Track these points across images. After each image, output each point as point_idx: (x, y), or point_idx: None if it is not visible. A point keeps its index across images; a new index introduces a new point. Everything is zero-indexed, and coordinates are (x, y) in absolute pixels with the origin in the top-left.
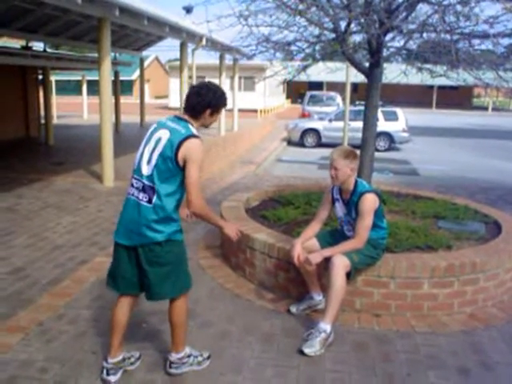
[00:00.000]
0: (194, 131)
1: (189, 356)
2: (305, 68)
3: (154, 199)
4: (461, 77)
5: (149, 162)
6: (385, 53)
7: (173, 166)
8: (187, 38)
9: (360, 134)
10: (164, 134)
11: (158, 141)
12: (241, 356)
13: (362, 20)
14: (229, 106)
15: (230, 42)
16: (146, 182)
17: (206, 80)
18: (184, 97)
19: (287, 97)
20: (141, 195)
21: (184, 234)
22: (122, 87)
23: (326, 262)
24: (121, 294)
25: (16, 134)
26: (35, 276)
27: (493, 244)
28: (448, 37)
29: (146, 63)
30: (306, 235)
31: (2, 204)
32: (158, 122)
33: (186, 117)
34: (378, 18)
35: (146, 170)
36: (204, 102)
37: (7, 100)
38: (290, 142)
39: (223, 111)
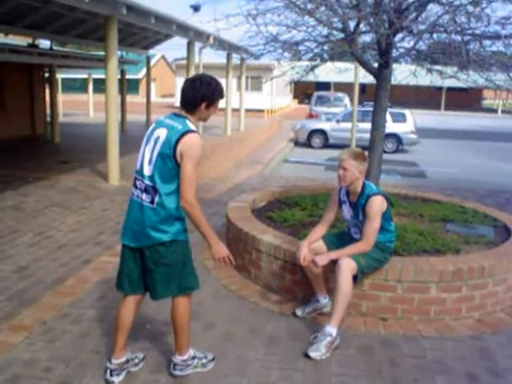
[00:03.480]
0: (192, 127)
1: (193, 358)
2: (313, 68)
3: (156, 199)
4: (471, 78)
5: (150, 161)
6: (394, 53)
7: (172, 165)
8: (194, 36)
9: (368, 135)
10: (162, 133)
11: (157, 140)
12: (245, 358)
13: (372, 20)
14: (235, 105)
15: (238, 41)
16: (148, 183)
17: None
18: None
19: (294, 97)
20: (144, 196)
21: (189, 234)
22: (128, 86)
23: (333, 264)
24: (126, 294)
25: (22, 132)
26: (39, 275)
27: (502, 248)
28: (459, 37)
29: (152, 62)
30: (312, 237)
31: (7, 202)
32: (157, 120)
33: (183, 112)
34: (387, 17)
35: (147, 170)
36: (198, 94)
37: (14, 98)
38: (296, 143)
39: (229, 111)
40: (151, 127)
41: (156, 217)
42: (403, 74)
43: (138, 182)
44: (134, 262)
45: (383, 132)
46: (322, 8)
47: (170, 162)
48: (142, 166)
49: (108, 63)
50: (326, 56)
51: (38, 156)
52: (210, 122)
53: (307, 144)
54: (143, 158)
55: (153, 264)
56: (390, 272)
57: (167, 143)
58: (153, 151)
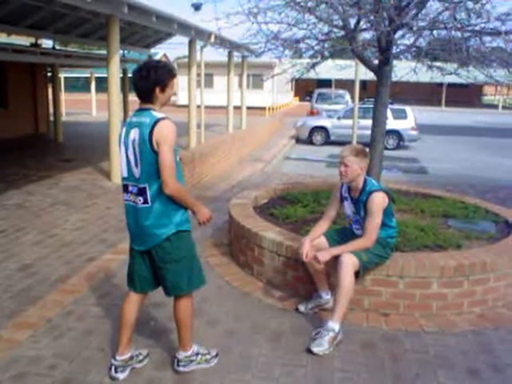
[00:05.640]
0: (159, 115)
1: (197, 354)
2: (314, 65)
3: (149, 198)
4: (471, 74)
5: (136, 164)
6: (394, 50)
7: (153, 159)
8: (196, 35)
9: (369, 132)
10: (135, 133)
11: (134, 141)
12: (249, 354)
13: (372, 17)
14: (237, 103)
15: (239, 39)
16: (140, 185)
17: (214, 75)
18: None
19: (295, 94)
20: (138, 199)
21: (192, 231)
22: (130, 84)
23: (335, 260)
24: (136, 292)
25: (25, 131)
26: (44, 273)
27: (503, 243)
28: (459, 34)
29: None
30: (314, 233)
31: (11, 201)
32: (126, 123)
33: (144, 105)
34: (387, 15)
35: (137, 173)
36: (149, 82)
37: (17, 97)
38: (298, 140)
39: (231, 108)
40: (124, 131)
41: (154, 214)
42: (403, 70)
43: (129, 188)
44: (144, 262)
45: (384, 129)
46: (323, 6)
47: (151, 157)
48: (129, 170)
49: (110, 62)
50: (326, 53)
51: (42, 155)
52: (212, 119)
53: (308, 141)
54: (129, 162)
55: (161, 262)
56: (391, 268)
57: (142, 141)
58: (135, 153)
